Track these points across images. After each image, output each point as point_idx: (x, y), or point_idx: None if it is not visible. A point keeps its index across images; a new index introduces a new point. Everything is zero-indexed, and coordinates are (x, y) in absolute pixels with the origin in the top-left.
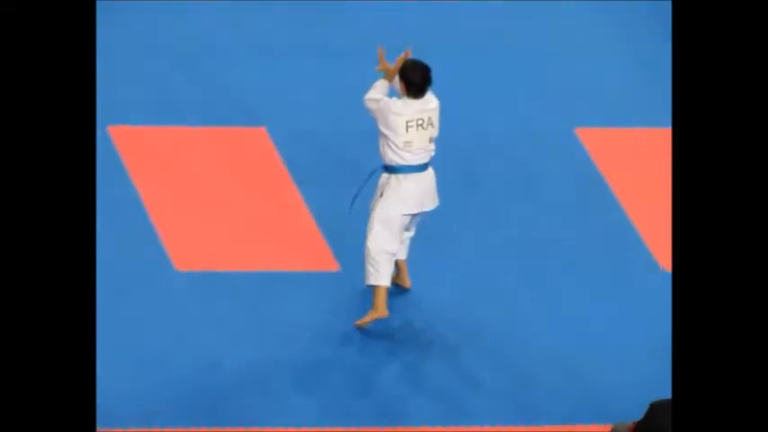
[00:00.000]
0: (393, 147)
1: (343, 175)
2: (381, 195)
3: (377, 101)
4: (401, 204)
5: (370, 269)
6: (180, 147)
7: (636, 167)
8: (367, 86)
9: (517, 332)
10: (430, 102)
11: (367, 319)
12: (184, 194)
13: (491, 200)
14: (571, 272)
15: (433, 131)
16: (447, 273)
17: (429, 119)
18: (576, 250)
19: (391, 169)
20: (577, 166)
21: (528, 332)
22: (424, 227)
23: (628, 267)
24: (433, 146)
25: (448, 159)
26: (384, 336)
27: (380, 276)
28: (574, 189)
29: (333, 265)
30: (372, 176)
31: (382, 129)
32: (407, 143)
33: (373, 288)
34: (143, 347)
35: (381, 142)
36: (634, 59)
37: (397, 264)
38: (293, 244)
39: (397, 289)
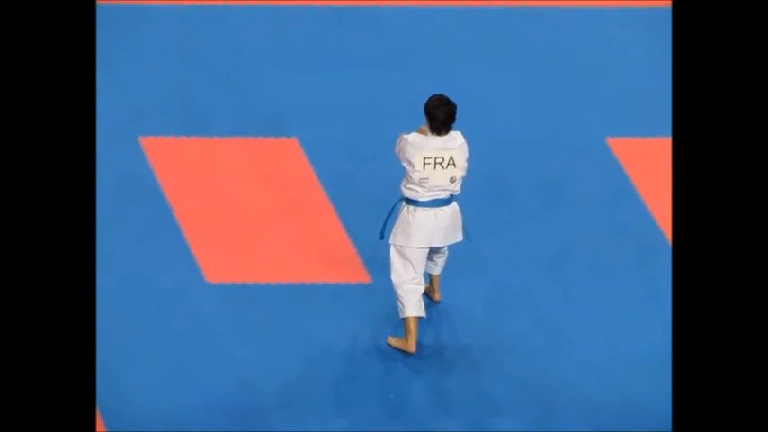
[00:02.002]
0: (409, 180)
1: (374, 186)
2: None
3: (398, 140)
4: (408, 238)
5: (397, 303)
6: (211, 158)
7: (668, 178)
8: (397, 95)
9: (548, 344)
10: (454, 140)
11: (396, 344)
12: (215, 206)
13: (522, 209)
14: (602, 283)
15: (457, 171)
16: (477, 283)
17: (451, 158)
18: (607, 261)
19: (407, 200)
20: (609, 175)
21: (559, 343)
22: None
23: (659, 278)
24: (455, 186)
25: (478, 168)
26: (416, 356)
27: (406, 309)
28: (605, 199)
29: (364, 277)
30: (398, 205)
31: (402, 162)
32: (423, 180)
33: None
34: (173, 359)
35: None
36: (667, 68)
37: (430, 276)
38: (324, 255)
39: (426, 300)
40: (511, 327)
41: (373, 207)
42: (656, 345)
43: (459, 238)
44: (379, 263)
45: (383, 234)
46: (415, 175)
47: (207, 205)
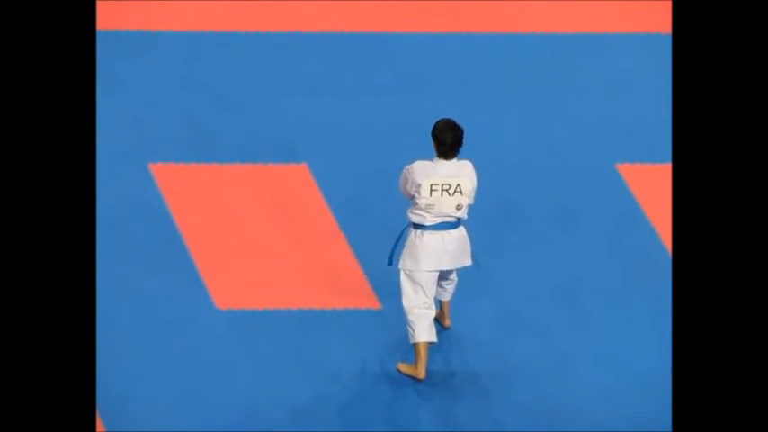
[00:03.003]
0: (415, 206)
1: (384, 212)
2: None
3: (403, 172)
4: (417, 262)
5: (408, 328)
6: (221, 184)
7: None
8: (406, 122)
9: (557, 369)
10: (463, 168)
11: (405, 370)
12: (225, 232)
13: (531, 234)
14: (611, 308)
15: (464, 199)
16: (486, 308)
17: (458, 186)
18: (616, 286)
19: (414, 225)
20: (618, 201)
21: (568, 369)
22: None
23: (669, 303)
24: (461, 213)
25: (488, 193)
26: (425, 381)
27: (416, 334)
28: (614, 224)
29: (374, 303)
30: (406, 230)
31: (407, 192)
32: (429, 206)
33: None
34: (182, 385)
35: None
36: None
37: (440, 302)
38: (334, 281)
39: (437, 326)
40: (520, 352)
41: (383, 233)
42: (666, 370)
43: (468, 262)
44: (388, 289)
45: (391, 260)
46: (422, 202)
47: (217, 231)
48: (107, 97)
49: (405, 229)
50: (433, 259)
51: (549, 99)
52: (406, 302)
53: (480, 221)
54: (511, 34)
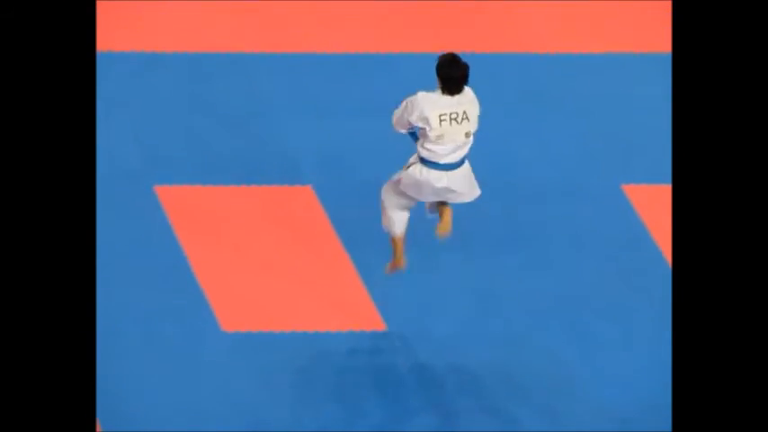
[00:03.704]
0: (426, 139)
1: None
2: (407, 168)
3: (403, 105)
4: (415, 188)
5: (382, 217)
6: (226, 206)
7: None
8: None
9: (563, 386)
10: (466, 94)
11: (389, 270)
12: (231, 254)
13: (536, 255)
14: (617, 327)
15: (470, 126)
16: (491, 326)
17: (464, 113)
18: (621, 306)
19: (422, 160)
20: (624, 221)
21: (574, 386)
22: (468, 283)
23: None
24: (469, 140)
25: (493, 213)
26: (433, 402)
27: (393, 229)
28: (620, 245)
29: (379, 325)
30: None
31: (414, 121)
32: (439, 137)
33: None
34: (188, 408)
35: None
36: None
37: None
38: (340, 303)
39: (441, 346)
40: (523, 371)
41: (388, 255)
42: (668, 389)
43: (478, 192)
44: (394, 310)
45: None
46: (432, 134)
47: (222, 253)
48: (112, 119)
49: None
50: (431, 193)
51: (553, 119)
52: (383, 194)
53: (486, 241)
54: (516, 54)
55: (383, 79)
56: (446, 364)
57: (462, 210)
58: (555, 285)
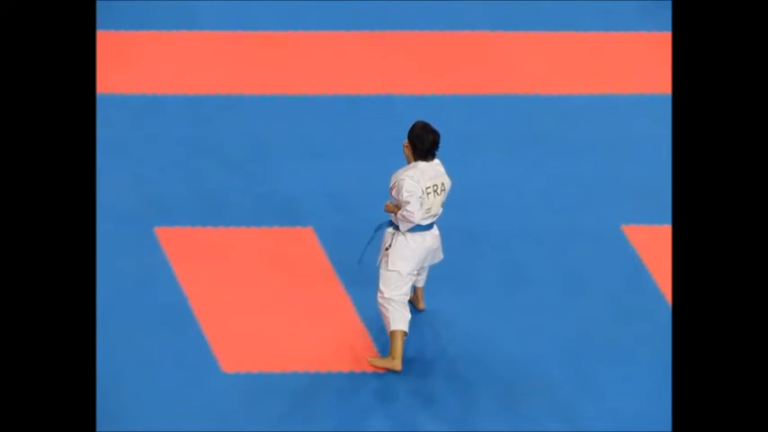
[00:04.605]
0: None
1: None
2: (387, 250)
3: (397, 182)
4: (405, 263)
5: (384, 319)
6: (227, 247)
7: None
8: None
9: (564, 427)
10: (439, 166)
11: (381, 364)
12: (231, 296)
13: (537, 296)
14: (617, 368)
15: (445, 195)
16: (492, 368)
17: (442, 184)
18: (622, 347)
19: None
20: (624, 262)
21: (575, 427)
22: (468, 324)
23: None
24: (440, 210)
25: (493, 255)
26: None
27: (396, 323)
28: (620, 286)
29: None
30: (380, 229)
31: (404, 201)
32: (427, 210)
33: (390, 335)
34: None
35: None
36: None
37: (414, 288)
38: (341, 344)
39: (443, 387)
40: (526, 413)
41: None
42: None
43: (441, 256)
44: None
45: (360, 260)
46: (424, 206)
47: (222, 295)
48: (112, 161)
49: (377, 230)
50: (420, 259)
51: (553, 160)
52: (387, 293)
53: (486, 282)
54: (515, 95)
55: (383, 121)
56: (447, 404)
57: (462, 251)
58: (555, 325)
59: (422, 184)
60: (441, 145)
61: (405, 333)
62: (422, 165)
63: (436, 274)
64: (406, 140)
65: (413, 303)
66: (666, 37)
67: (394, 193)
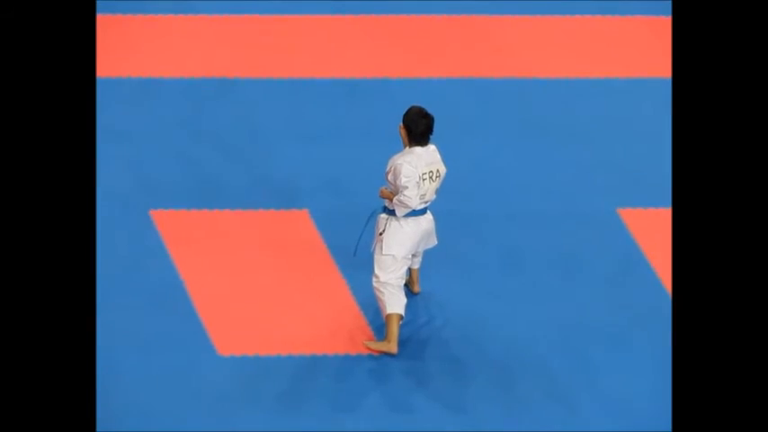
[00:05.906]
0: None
1: None
2: (381, 235)
3: (394, 167)
4: (400, 247)
5: (380, 303)
6: (222, 230)
7: None
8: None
9: (561, 413)
10: (435, 153)
11: (377, 347)
12: (227, 279)
13: (533, 279)
14: (613, 353)
15: (439, 182)
16: (488, 351)
17: (437, 170)
18: (618, 331)
19: (393, 212)
20: (620, 246)
21: (572, 412)
22: (465, 306)
23: (671, 348)
24: (435, 196)
25: (490, 238)
26: (429, 423)
27: (392, 306)
28: (616, 269)
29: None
30: (373, 217)
31: (401, 185)
32: (422, 196)
33: (386, 319)
34: None
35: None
36: None
37: (409, 270)
38: (336, 327)
39: (439, 370)
40: (521, 395)
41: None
42: (668, 413)
43: (435, 241)
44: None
45: (356, 251)
46: (420, 191)
47: (218, 278)
48: (108, 144)
49: (370, 216)
50: (415, 242)
51: (549, 144)
52: (383, 277)
53: (482, 265)
54: (512, 79)
55: (380, 104)
56: (443, 386)
57: (459, 234)
58: (551, 310)
59: (419, 170)
60: (438, 129)
61: (401, 316)
62: (418, 150)
63: (432, 257)
64: (401, 123)
65: (408, 286)
66: (666, 21)
67: (390, 177)
